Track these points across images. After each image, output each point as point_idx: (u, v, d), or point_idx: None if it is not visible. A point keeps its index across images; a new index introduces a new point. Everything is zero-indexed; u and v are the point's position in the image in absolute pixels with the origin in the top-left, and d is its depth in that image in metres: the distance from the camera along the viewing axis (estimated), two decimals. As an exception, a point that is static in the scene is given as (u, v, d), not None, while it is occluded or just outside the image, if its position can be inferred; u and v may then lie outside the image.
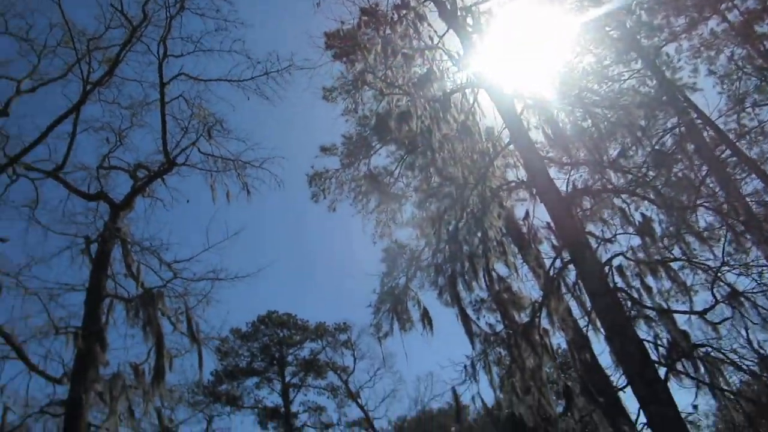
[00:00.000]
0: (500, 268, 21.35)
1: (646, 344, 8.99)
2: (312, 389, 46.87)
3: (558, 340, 15.56)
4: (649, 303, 10.29)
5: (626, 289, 10.26)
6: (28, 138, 12.86)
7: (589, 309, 10.43)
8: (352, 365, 45.07)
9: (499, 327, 19.89)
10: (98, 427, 11.09)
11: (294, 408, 45.54)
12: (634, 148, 15.99)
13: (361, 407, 42.91)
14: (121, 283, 13.72)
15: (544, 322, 11.96)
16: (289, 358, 46.78)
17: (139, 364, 13.04)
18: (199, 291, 13.63)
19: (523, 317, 19.31)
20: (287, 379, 45.98)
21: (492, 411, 16.81)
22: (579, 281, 10.54)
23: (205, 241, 13.44)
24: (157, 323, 11.96)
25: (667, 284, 11.09)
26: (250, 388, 45.95)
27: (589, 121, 17.14)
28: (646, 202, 11.55)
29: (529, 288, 19.14)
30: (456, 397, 13.55)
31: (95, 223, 14.48)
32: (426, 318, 19.73)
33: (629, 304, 10.03)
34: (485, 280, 20.87)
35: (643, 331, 9.65)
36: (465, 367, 16.76)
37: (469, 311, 19.86)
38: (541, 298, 11.63)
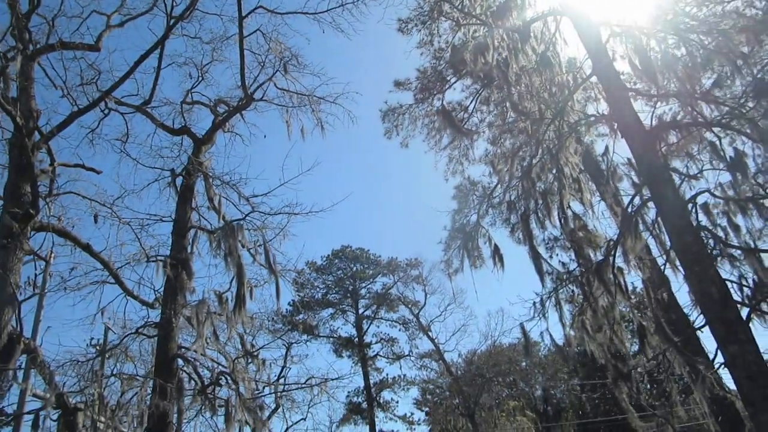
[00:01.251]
0: (575, 206, 20.65)
1: (729, 284, 8.55)
2: (384, 322, 48.74)
3: (633, 279, 15.10)
4: (735, 242, 9.69)
5: (710, 227, 9.68)
6: (117, 73, 13.45)
7: (668, 248, 9.97)
8: (423, 300, 46.23)
9: (572, 266, 19.55)
10: (187, 348, 12.12)
11: (367, 339, 47.74)
12: (732, 77, 14.60)
13: (432, 340, 44.21)
14: (204, 216, 14.53)
15: (620, 261, 11.58)
16: (362, 292, 48.58)
17: (223, 293, 14.00)
18: (276, 225, 14.24)
19: (598, 256, 18.80)
20: (360, 311, 47.93)
21: (562, 348, 16.80)
22: (659, 219, 10.04)
23: (281, 176, 13.84)
24: (238, 254, 12.65)
25: (757, 223, 10.35)
26: (326, 318, 48.40)
27: (683, 49, 15.75)
28: (740, 136, 10.64)
29: (605, 227, 18.43)
30: (525, 332, 13.60)
31: (180, 157, 15.21)
32: (497, 255, 19.64)
33: (712, 243, 9.49)
34: (559, 218, 20.34)
35: (725, 271, 9.17)
36: (534, 303, 16.70)
37: (541, 249, 19.56)
38: (617, 237, 11.22)
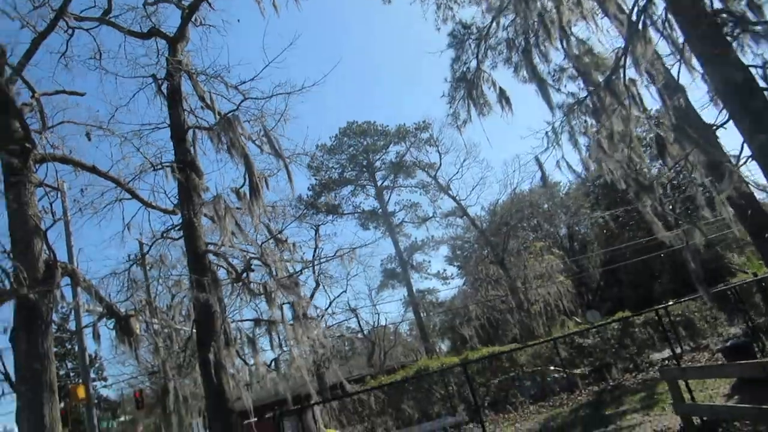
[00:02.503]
0: (578, 32, 19.49)
1: (753, 71, 8.06)
2: (404, 189, 49.32)
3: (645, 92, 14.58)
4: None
5: (727, 8, 8.88)
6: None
7: (681, 45, 9.34)
8: (439, 160, 46.21)
9: (582, 95, 18.90)
10: (215, 244, 12.38)
11: (390, 208, 48.72)
12: None
13: (453, 198, 44.86)
14: (198, 116, 14.16)
15: (631, 73, 11.04)
16: (377, 164, 48.65)
17: (239, 188, 14.05)
18: (275, 111, 13.84)
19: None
20: (379, 182, 48.38)
21: (579, 173, 16.78)
22: (668, 16, 9.31)
23: (265, 59, 13.12)
24: (241, 145, 12.44)
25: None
26: (347, 196, 49.10)
27: None
28: None
29: (611, 43, 17.48)
30: (540, 164, 13.50)
31: (159, 62, 14.52)
32: (503, 98, 19.02)
33: (731, 28, 8.80)
34: (562, 45, 19.30)
35: (747, 59, 8.58)
36: (546, 133, 16.45)
37: (549, 83, 18.83)
38: (624, 45, 10.57)
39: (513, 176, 51.75)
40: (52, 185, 13.53)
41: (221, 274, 11.99)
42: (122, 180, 13.27)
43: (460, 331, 50.39)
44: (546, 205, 54.73)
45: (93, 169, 13.24)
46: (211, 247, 11.99)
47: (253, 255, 11.65)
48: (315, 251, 39.05)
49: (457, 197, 44.95)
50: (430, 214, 48.81)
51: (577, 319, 38.01)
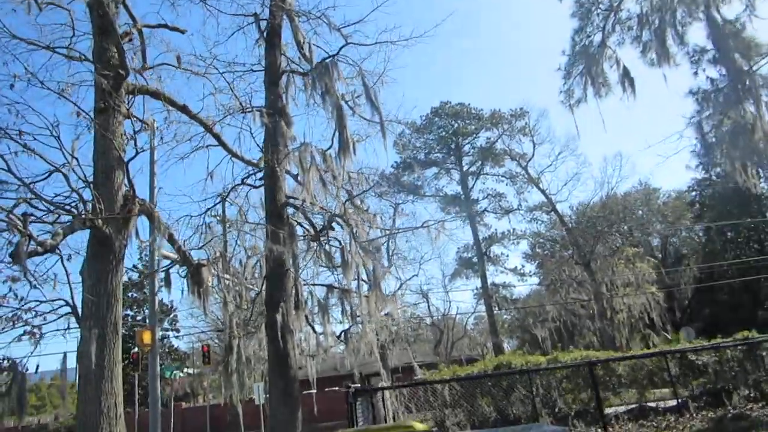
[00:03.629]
0: (726, 12, 17.08)
1: None
2: (490, 177, 47.19)
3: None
4: None
5: None
6: None
7: None
8: (531, 151, 43.74)
9: (722, 83, 16.47)
10: (296, 198, 11.49)
11: (474, 195, 46.82)
12: None
13: (543, 191, 42.35)
14: (295, 61, 13.28)
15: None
16: (466, 148, 46.82)
17: (326, 150, 13.12)
18: (373, 70, 12.77)
19: (762, 63, 15.54)
20: (465, 168, 46.59)
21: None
22: None
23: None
24: (336, 94, 11.41)
25: None
26: (430, 178, 47.70)
27: None
28: None
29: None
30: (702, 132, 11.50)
31: (263, 1, 13.78)
32: (627, 79, 16.92)
33: None
34: (706, 25, 16.93)
35: None
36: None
37: (684, 65, 16.53)
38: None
39: (612, 175, 48.02)
40: (142, 119, 13.18)
41: (299, 232, 11.13)
42: (210, 123, 12.65)
43: (532, 331, 48.08)
44: (640, 212, 50.87)
45: (183, 109, 12.69)
46: (291, 200, 11.11)
47: (335, 213, 10.63)
48: (392, 229, 38.27)
49: (546, 191, 42.45)
50: (515, 207, 46.49)
51: (667, 336, 34.89)
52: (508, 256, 48.56)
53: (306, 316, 10.76)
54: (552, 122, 77.18)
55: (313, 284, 11.35)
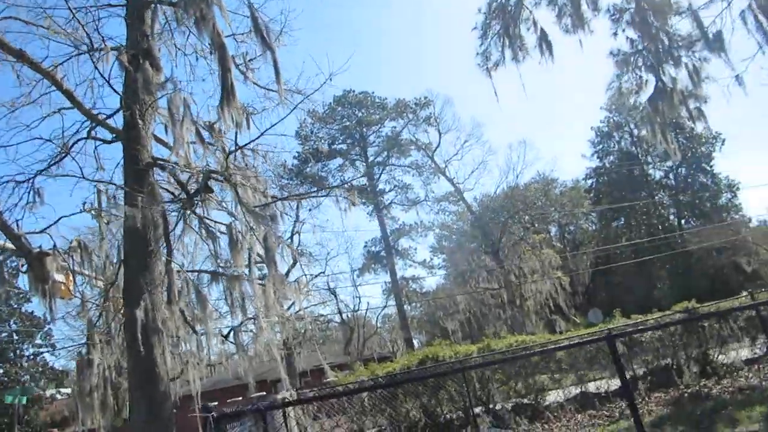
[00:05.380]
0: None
1: None
2: (396, 168, 45.83)
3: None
4: None
5: None
6: None
7: None
8: (437, 140, 42.93)
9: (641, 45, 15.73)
10: (165, 160, 8.87)
11: (380, 187, 45.23)
12: None
13: (450, 180, 41.65)
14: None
15: None
16: (371, 138, 45.14)
17: (212, 123, 10.54)
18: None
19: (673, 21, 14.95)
20: (371, 159, 44.92)
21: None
22: None
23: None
24: (214, 23, 8.89)
25: None
26: (335, 170, 45.44)
27: None
28: None
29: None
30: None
31: None
32: (544, 41, 15.66)
33: None
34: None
35: None
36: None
37: (603, 25, 15.59)
38: None
39: (516, 163, 48.41)
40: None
41: (168, 198, 8.52)
42: (51, 71, 9.62)
43: (442, 324, 47.36)
44: (539, 202, 51.99)
45: (21, 56, 9.58)
46: (159, 162, 8.47)
47: (213, 170, 8.11)
48: (294, 224, 35.67)
49: (453, 180, 41.81)
50: (422, 198, 45.49)
51: (575, 319, 35.34)
52: (416, 249, 47.38)
53: (182, 311, 8.18)
54: (457, 110, 77.60)
55: (192, 270, 8.76)
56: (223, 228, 9.09)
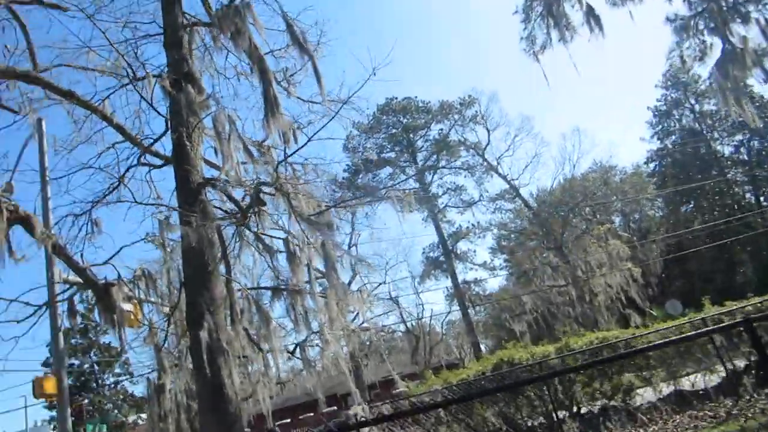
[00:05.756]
0: None
1: None
2: (447, 171, 45.12)
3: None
4: None
5: None
6: None
7: None
8: (487, 138, 41.99)
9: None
10: (215, 179, 8.77)
11: (432, 191, 44.65)
12: None
13: (503, 177, 40.58)
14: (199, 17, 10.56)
15: None
16: (419, 144, 44.73)
17: (261, 142, 10.45)
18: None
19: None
20: (420, 164, 44.44)
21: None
22: None
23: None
24: (252, 41, 8.77)
25: None
26: (386, 179, 45.25)
27: None
28: None
29: None
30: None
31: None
32: (592, 16, 14.90)
33: None
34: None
35: None
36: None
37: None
38: None
39: (572, 152, 46.52)
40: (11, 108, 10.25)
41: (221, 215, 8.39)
42: (100, 107, 9.79)
43: (509, 327, 46.02)
44: (599, 192, 49.88)
45: (70, 95, 9.84)
46: (211, 181, 8.36)
47: (263, 181, 7.91)
48: (351, 236, 35.59)
49: (507, 176, 40.73)
50: (476, 198, 44.56)
51: (651, 312, 33.41)
52: (475, 251, 46.41)
53: (246, 330, 8.00)
54: (504, 105, 75.94)
55: (252, 288, 8.58)
56: (280, 244, 8.89)
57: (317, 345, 8.70)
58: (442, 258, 43.65)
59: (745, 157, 43.66)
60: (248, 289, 8.28)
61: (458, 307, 42.40)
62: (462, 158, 44.43)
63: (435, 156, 44.39)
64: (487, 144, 41.38)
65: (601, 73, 63.98)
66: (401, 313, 36.57)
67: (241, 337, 8.11)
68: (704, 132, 44.09)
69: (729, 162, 44.21)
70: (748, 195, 43.84)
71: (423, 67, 76.10)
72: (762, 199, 42.32)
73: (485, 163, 41.39)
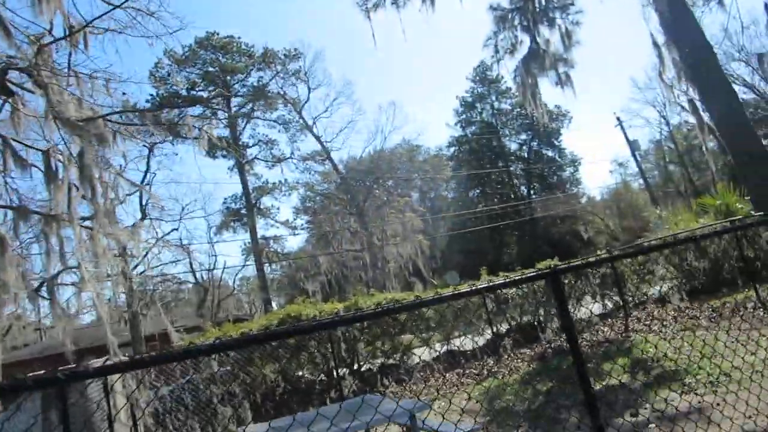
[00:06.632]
0: None
1: None
2: (262, 122, 43.32)
3: None
4: None
5: None
6: None
7: None
8: (307, 95, 41.15)
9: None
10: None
11: (243, 141, 42.52)
12: None
13: (317, 138, 40.30)
14: None
15: None
16: (235, 87, 41.96)
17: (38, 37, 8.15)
18: None
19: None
20: (234, 110, 41.87)
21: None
22: None
23: None
24: None
25: None
26: (194, 119, 41.57)
27: None
28: None
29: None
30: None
31: None
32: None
33: None
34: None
35: None
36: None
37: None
38: None
39: (385, 125, 48.07)
40: None
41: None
42: None
43: (303, 286, 46.54)
44: (403, 168, 52.77)
45: None
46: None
47: (12, 63, 6.10)
48: (146, 175, 32.14)
49: (321, 138, 40.53)
50: (287, 155, 43.63)
51: (433, 281, 36.46)
52: (279, 208, 45.82)
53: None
54: (329, 64, 75.26)
55: (-14, 205, 6.73)
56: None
57: (73, 284, 7.23)
58: (243, 211, 42.03)
59: (525, 155, 49.82)
60: (-20, 205, 6.46)
61: (254, 263, 41.44)
62: (278, 112, 43.02)
63: (251, 105, 42.20)
64: (306, 101, 40.68)
65: (427, 54, 67.13)
66: (191, 261, 34.33)
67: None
68: (498, 127, 49.12)
69: (513, 157, 50.06)
70: (522, 187, 50.26)
71: (253, 7, 71.33)
72: (532, 192, 48.79)
73: (301, 121, 40.64)
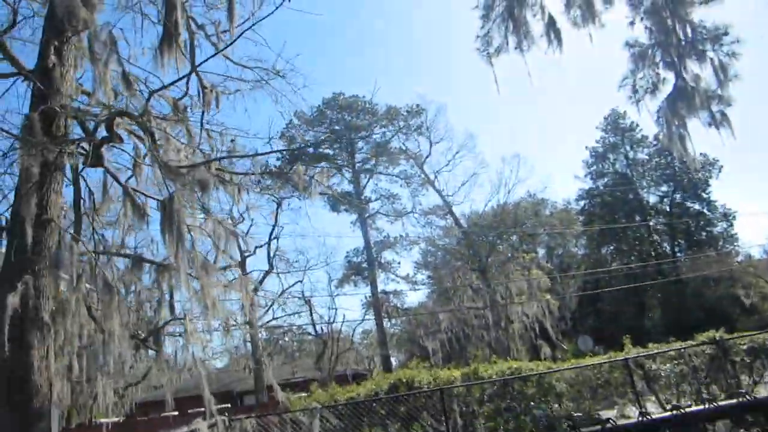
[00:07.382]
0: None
1: None
2: (384, 177, 44.07)
3: None
4: None
5: None
6: None
7: None
8: (428, 149, 41.30)
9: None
10: (86, 107, 6.95)
11: (366, 195, 43.40)
12: None
13: (438, 192, 39.93)
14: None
15: None
16: (359, 144, 43.40)
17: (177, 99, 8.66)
18: None
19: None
20: (357, 165, 43.11)
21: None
22: None
23: None
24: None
25: None
26: (320, 175, 43.24)
27: None
28: None
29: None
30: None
31: None
32: (552, 29, 14.11)
33: None
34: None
35: None
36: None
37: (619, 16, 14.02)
38: None
39: (509, 177, 46.61)
40: None
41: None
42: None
43: (421, 343, 45.29)
44: (528, 222, 50.42)
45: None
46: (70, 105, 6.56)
47: (121, 109, 6.18)
48: (273, 229, 33.55)
49: (443, 192, 40.10)
50: (409, 210, 43.64)
51: (562, 345, 33.58)
52: (399, 263, 45.51)
53: (83, 299, 6.24)
54: (451, 119, 75.93)
55: (102, 252, 6.82)
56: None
57: (180, 334, 7.07)
58: (365, 264, 42.35)
59: (667, 208, 45.33)
60: (94, 252, 6.52)
61: (374, 317, 41.19)
62: (400, 167, 43.56)
63: (374, 160, 43.20)
64: (428, 156, 40.73)
65: (552, 101, 65.30)
66: (311, 313, 34.82)
67: (81, 312, 6.33)
68: (634, 178, 45.47)
69: (652, 210, 45.79)
70: (665, 244, 45.50)
71: (375, 66, 74.97)
72: (677, 249, 43.96)
73: (423, 176, 40.64)
